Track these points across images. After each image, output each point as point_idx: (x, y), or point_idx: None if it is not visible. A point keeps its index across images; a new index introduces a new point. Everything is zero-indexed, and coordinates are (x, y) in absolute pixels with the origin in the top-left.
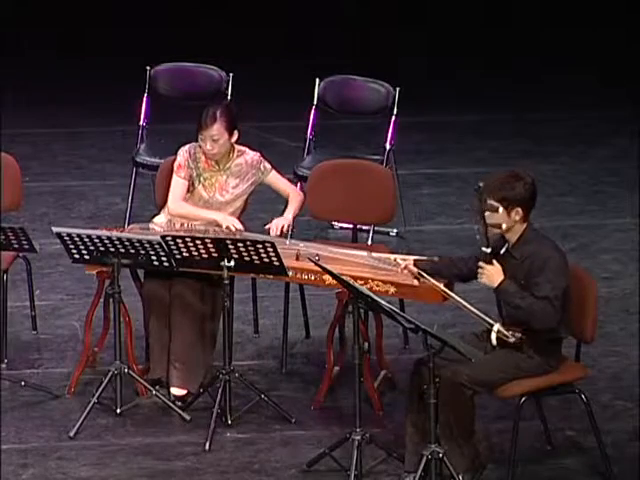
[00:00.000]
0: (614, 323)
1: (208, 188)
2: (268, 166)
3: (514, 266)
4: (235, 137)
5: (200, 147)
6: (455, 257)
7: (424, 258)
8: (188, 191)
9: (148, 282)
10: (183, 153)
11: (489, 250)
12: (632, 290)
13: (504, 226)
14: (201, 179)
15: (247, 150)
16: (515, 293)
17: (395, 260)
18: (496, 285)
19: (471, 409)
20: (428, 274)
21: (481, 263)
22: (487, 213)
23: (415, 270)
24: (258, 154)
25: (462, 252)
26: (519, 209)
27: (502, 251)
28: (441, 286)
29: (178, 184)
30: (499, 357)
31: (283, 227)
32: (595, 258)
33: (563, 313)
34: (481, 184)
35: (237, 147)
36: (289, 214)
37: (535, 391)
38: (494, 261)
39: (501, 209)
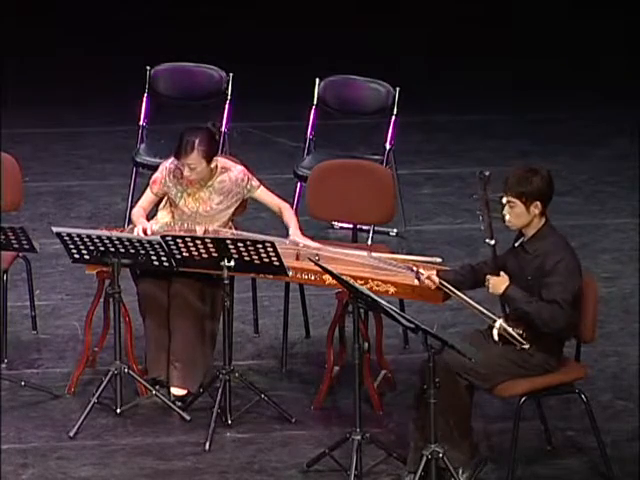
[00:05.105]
0: (614, 323)
1: (192, 203)
2: (255, 183)
3: (525, 260)
4: (214, 163)
5: None
6: (475, 264)
7: (446, 268)
8: (171, 205)
9: (143, 282)
10: (163, 169)
11: (493, 242)
12: (632, 290)
13: (522, 223)
14: (184, 195)
15: (231, 167)
16: (521, 299)
17: (418, 270)
18: (501, 292)
19: (467, 400)
20: (450, 284)
21: (488, 276)
22: (506, 208)
23: (437, 280)
24: (243, 170)
25: (462, 252)
26: (538, 203)
27: (516, 244)
28: (462, 296)
29: (147, 197)
30: (498, 352)
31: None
32: (595, 258)
33: (573, 316)
34: (486, 173)
35: (221, 163)
36: (297, 231)
37: (535, 391)
38: (502, 273)
39: (520, 204)
